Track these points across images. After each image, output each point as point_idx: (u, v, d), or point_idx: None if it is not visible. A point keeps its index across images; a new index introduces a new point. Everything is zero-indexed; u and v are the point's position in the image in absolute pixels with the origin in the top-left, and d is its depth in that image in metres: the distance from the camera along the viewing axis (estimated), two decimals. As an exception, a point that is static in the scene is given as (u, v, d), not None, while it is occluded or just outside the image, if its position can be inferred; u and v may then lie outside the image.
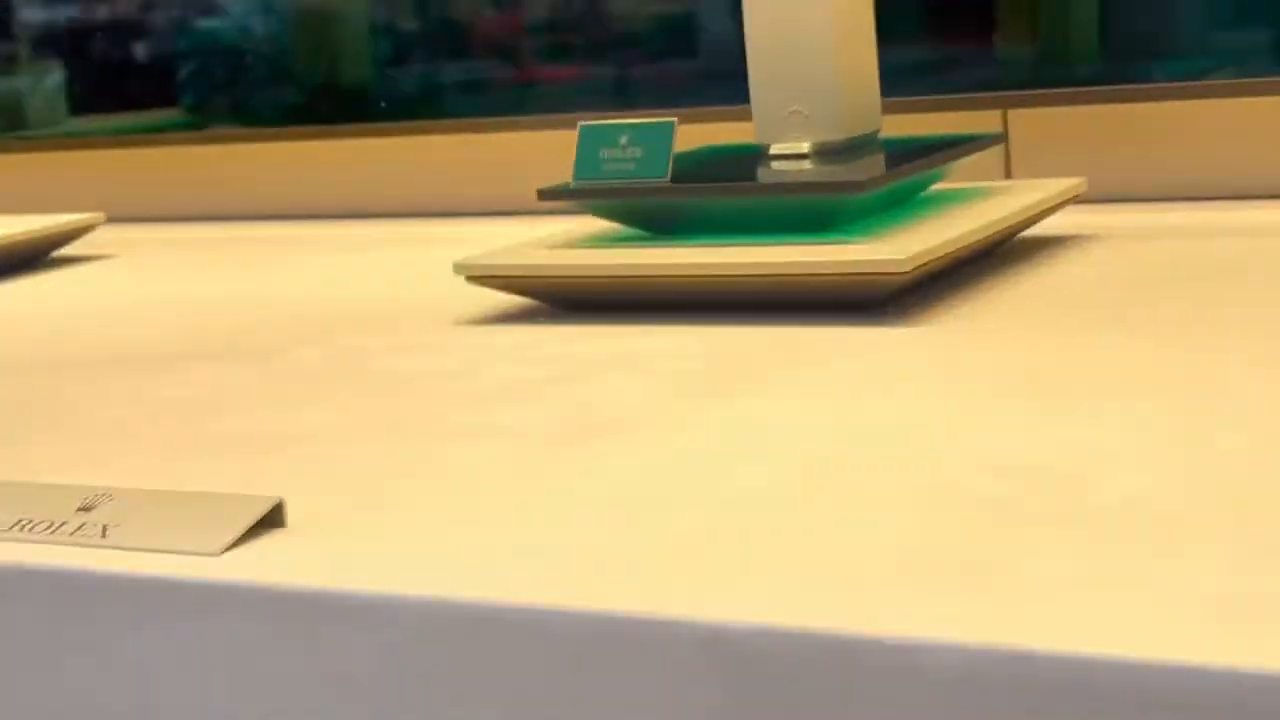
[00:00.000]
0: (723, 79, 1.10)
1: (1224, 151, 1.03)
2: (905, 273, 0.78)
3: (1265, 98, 1.01)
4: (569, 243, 0.90)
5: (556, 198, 0.90)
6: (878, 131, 0.94)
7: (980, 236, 0.85)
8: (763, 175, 0.90)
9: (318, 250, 1.22)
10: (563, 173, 0.88)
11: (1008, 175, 1.06)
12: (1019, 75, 1.11)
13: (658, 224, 0.89)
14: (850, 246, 0.80)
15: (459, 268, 0.88)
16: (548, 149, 1.04)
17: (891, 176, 0.86)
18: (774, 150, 0.92)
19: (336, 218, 1.32)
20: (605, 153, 0.89)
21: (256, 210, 1.35)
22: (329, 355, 0.84)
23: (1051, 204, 0.92)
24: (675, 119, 0.88)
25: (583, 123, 0.90)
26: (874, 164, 0.90)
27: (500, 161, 1.25)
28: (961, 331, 0.77)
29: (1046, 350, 0.73)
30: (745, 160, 0.93)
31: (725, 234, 0.86)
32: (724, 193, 0.87)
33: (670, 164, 0.87)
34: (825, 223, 0.85)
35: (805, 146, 0.92)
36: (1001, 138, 0.97)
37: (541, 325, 0.86)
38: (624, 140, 0.88)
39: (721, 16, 1.26)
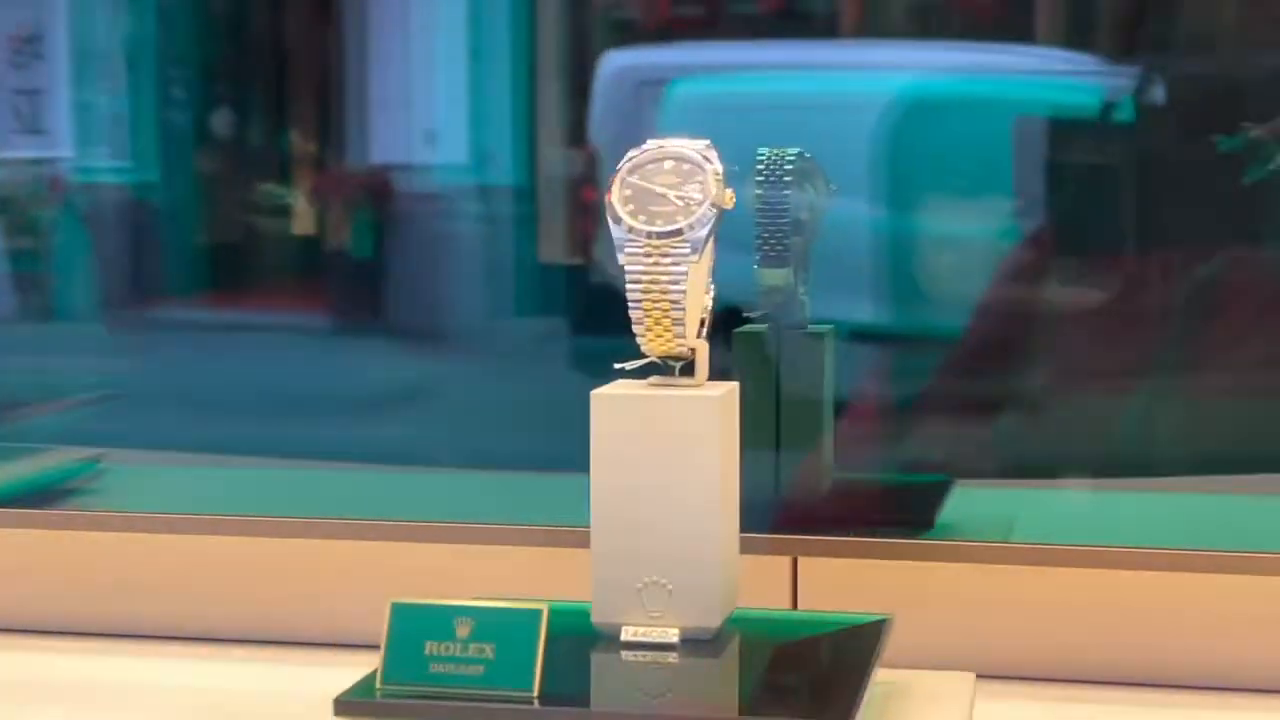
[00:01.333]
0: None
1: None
2: None
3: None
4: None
5: (355, 713, 0.62)
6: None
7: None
8: (661, 684, 0.65)
9: None
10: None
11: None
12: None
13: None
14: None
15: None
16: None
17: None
18: (627, 636, 0.68)
19: None
20: (432, 646, 0.62)
21: None
22: None
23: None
24: (544, 605, 0.63)
25: (395, 600, 0.63)
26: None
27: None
28: None
29: None
30: (582, 649, 0.68)
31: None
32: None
33: (538, 673, 0.62)
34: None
35: (673, 634, 0.68)
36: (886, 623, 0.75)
37: None
38: (462, 629, 0.62)
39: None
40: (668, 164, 0.70)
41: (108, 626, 0.92)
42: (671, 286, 0.68)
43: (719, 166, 0.70)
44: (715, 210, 0.68)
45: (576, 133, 1.02)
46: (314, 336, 1.07)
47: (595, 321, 0.99)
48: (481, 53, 1.04)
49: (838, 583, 0.86)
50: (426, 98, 1.07)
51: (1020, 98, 0.99)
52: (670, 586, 0.68)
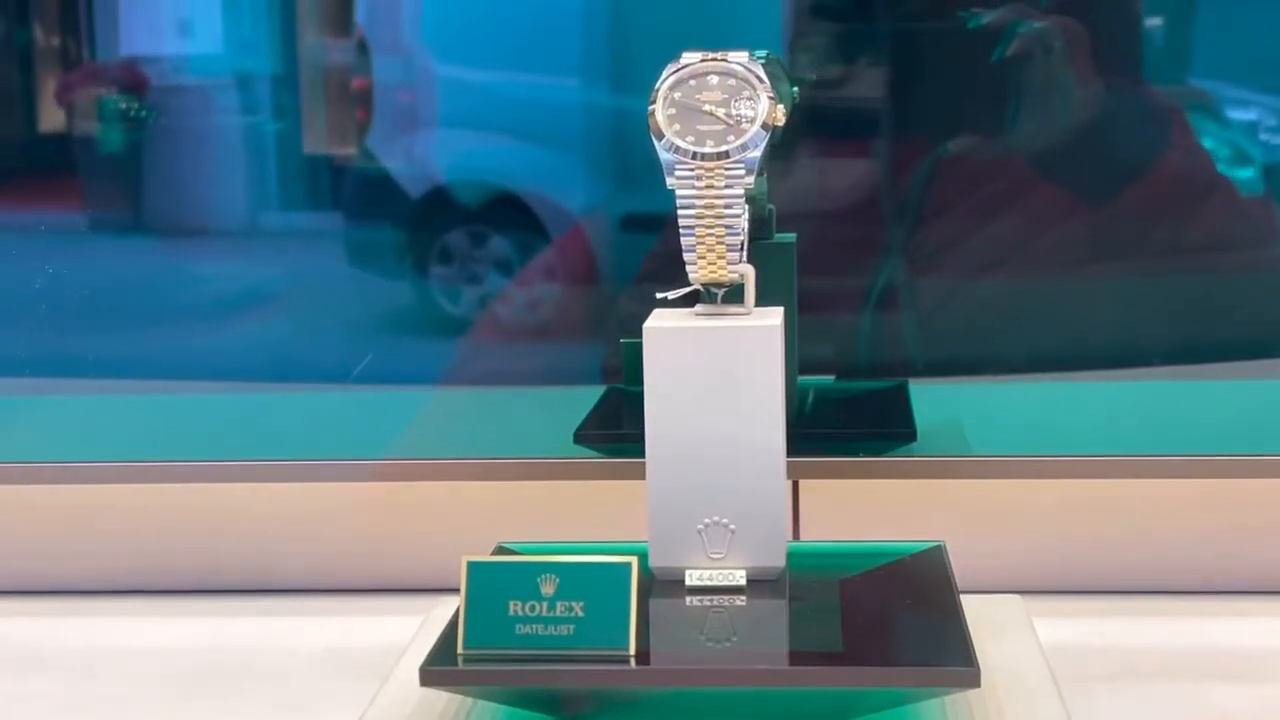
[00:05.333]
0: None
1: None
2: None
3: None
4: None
5: (446, 683, 0.58)
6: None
7: None
8: (724, 627, 0.62)
9: None
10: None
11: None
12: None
13: (608, 712, 0.59)
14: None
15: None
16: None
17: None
18: (692, 581, 0.64)
19: None
20: (516, 606, 0.58)
21: None
22: None
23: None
24: (634, 558, 0.59)
25: (469, 557, 0.59)
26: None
27: None
28: None
29: None
30: (643, 597, 0.64)
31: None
32: (742, 678, 0.58)
33: (632, 629, 0.58)
34: (844, 712, 0.59)
35: (740, 576, 0.65)
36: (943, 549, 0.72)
37: None
38: (548, 587, 0.58)
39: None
40: (713, 79, 0.66)
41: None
42: (726, 211, 0.64)
43: (767, 80, 0.66)
44: (767, 129, 0.65)
45: (342, 20, 0.96)
46: (72, 237, 0.98)
47: (367, 214, 0.95)
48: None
49: (834, 501, 0.84)
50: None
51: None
52: (733, 526, 0.64)
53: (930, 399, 0.89)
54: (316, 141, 0.97)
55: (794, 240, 0.81)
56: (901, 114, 0.91)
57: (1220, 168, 0.90)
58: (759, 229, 0.80)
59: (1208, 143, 0.90)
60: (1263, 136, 0.91)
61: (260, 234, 0.97)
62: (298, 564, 0.85)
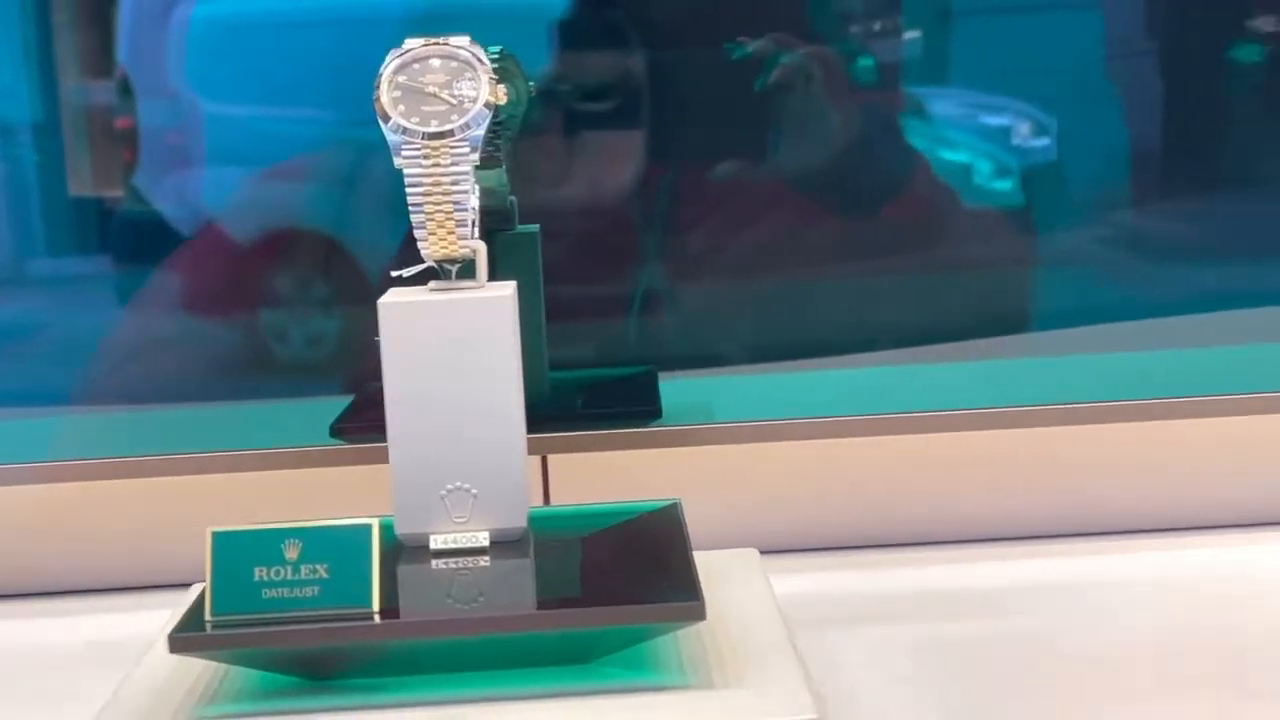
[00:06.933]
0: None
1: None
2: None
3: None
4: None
5: (194, 649, 0.59)
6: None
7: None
8: (469, 585, 0.64)
9: None
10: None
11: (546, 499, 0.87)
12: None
13: (356, 671, 0.61)
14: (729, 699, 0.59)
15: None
16: None
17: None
18: (437, 544, 0.67)
19: None
20: (262, 572, 0.60)
21: None
22: None
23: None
24: (374, 520, 0.61)
25: (214, 529, 0.60)
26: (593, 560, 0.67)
27: None
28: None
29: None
30: (390, 564, 0.66)
31: (445, 677, 0.60)
32: (490, 626, 0.60)
33: (375, 588, 0.60)
34: (585, 653, 0.62)
35: (482, 538, 0.67)
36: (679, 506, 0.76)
37: None
38: (291, 552, 0.60)
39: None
40: (435, 62, 0.68)
41: None
42: (454, 188, 0.67)
43: (489, 62, 0.69)
44: (489, 107, 0.67)
45: (101, 61, 0.97)
46: None
47: (136, 254, 0.96)
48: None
49: (585, 476, 0.87)
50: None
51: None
52: (475, 491, 0.67)
53: (681, 388, 0.93)
54: (82, 184, 0.97)
55: (537, 230, 0.84)
56: (662, 134, 0.95)
57: (976, 180, 0.95)
58: (501, 220, 0.83)
59: (958, 156, 0.95)
60: (1015, 143, 0.96)
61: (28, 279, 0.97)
62: (58, 564, 0.86)
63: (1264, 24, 0.92)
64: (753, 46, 0.91)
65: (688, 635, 0.64)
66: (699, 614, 0.59)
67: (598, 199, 0.95)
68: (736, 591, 0.71)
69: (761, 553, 0.78)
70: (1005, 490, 0.89)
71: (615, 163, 0.95)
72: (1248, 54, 0.93)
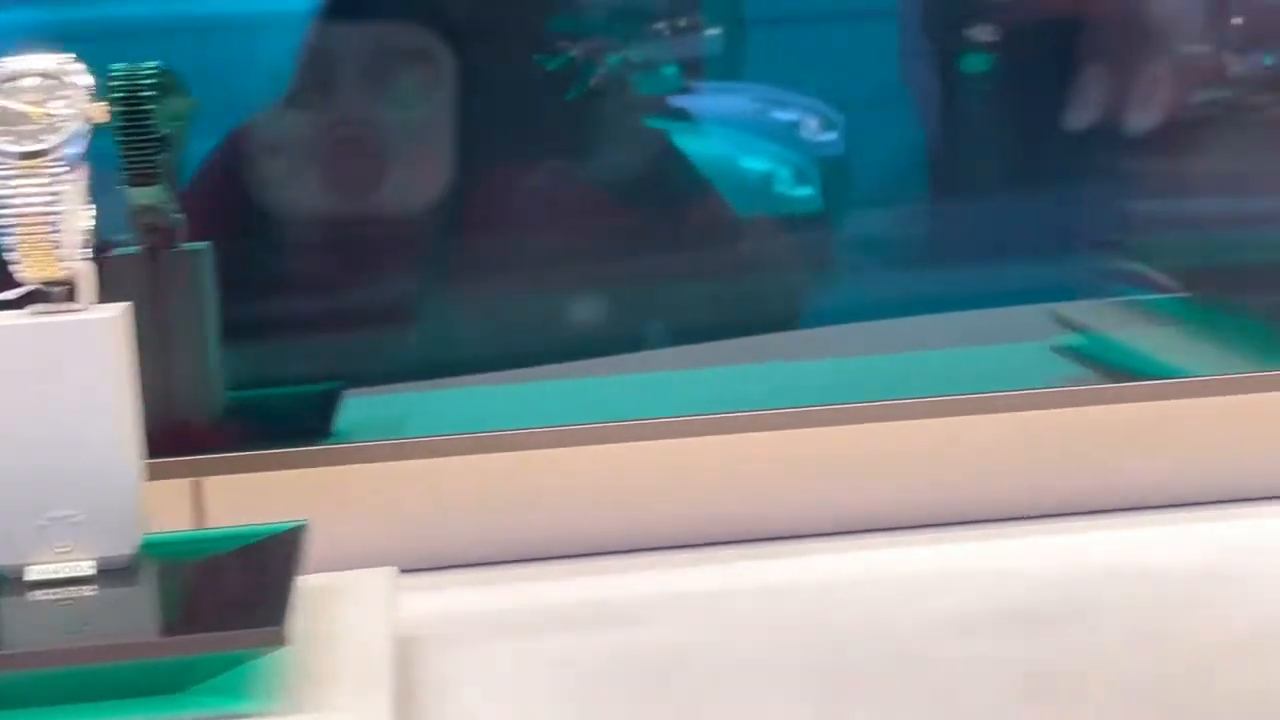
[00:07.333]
0: None
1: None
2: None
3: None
4: None
5: None
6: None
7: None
8: (68, 616, 0.63)
9: None
10: None
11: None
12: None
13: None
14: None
15: None
16: None
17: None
18: (34, 575, 0.65)
19: None
20: None
21: None
22: None
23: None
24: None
25: None
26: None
27: None
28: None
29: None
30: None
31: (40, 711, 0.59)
32: (63, 659, 0.59)
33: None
34: (178, 683, 0.61)
35: (86, 566, 0.65)
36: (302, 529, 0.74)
37: None
38: None
39: None
40: (27, 81, 0.67)
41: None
42: (49, 209, 0.65)
43: (89, 79, 0.67)
44: (87, 125, 0.66)
45: None
46: None
47: None
48: None
49: (245, 500, 0.86)
50: None
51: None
52: (78, 518, 0.65)
53: (396, 403, 0.92)
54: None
55: (206, 247, 0.82)
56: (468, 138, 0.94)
57: (776, 186, 0.97)
58: (164, 238, 0.81)
59: (758, 163, 0.97)
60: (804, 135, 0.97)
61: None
62: None
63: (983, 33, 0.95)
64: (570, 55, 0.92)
65: (292, 658, 0.63)
66: (278, 639, 0.58)
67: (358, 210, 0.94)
68: (357, 613, 0.70)
69: (433, 570, 0.77)
70: (640, 503, 0.89)
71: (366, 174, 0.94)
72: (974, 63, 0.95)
